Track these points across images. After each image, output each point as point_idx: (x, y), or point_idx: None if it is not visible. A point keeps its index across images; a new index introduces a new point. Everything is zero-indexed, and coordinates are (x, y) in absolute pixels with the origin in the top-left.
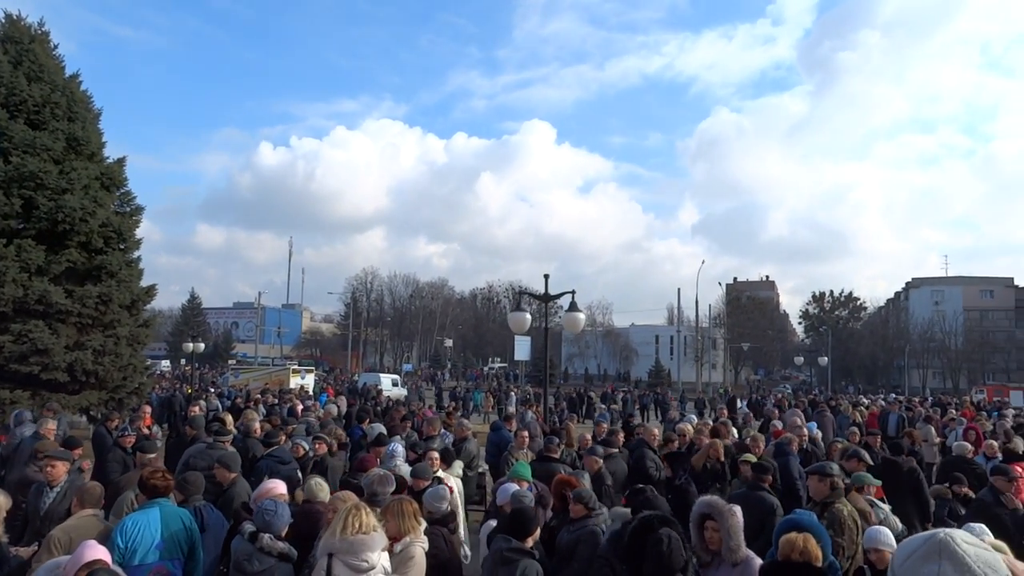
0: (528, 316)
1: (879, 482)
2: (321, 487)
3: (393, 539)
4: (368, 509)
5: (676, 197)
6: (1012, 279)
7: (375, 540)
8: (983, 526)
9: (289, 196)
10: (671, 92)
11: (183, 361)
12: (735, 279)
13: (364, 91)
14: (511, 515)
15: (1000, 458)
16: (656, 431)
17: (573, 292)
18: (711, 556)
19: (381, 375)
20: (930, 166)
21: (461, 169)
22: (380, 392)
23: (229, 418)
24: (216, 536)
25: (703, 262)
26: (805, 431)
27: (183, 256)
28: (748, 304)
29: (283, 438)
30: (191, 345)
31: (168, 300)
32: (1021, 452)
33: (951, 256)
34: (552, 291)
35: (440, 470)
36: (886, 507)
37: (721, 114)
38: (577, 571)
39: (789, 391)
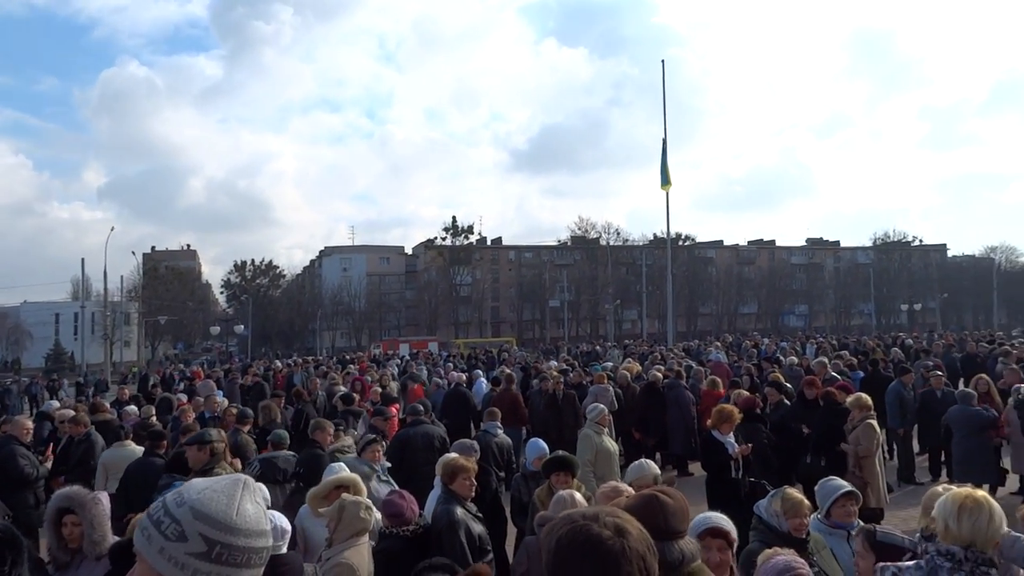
0: None
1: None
2: None
3: None
4: None
5: (79, 154)
6: (403, 247)
7: None
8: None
9: None
10: (68, 32)
11: None
12: (153, 248)
13: None
14: None
15: (380, 401)
16: (29, 424)
17: None
18: (71, 555)
19: None
20: (338, 143)
21: None
22: None
23: None
24: None
25: (112, 229)
26: (217, 400)
27: None
28: (168, 274)
29: None
30: None
31: None
32: (396, 395)
33: (357, 227)
34: None
35: None
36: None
37: (129, 66)
38: None
39: (205, 363)
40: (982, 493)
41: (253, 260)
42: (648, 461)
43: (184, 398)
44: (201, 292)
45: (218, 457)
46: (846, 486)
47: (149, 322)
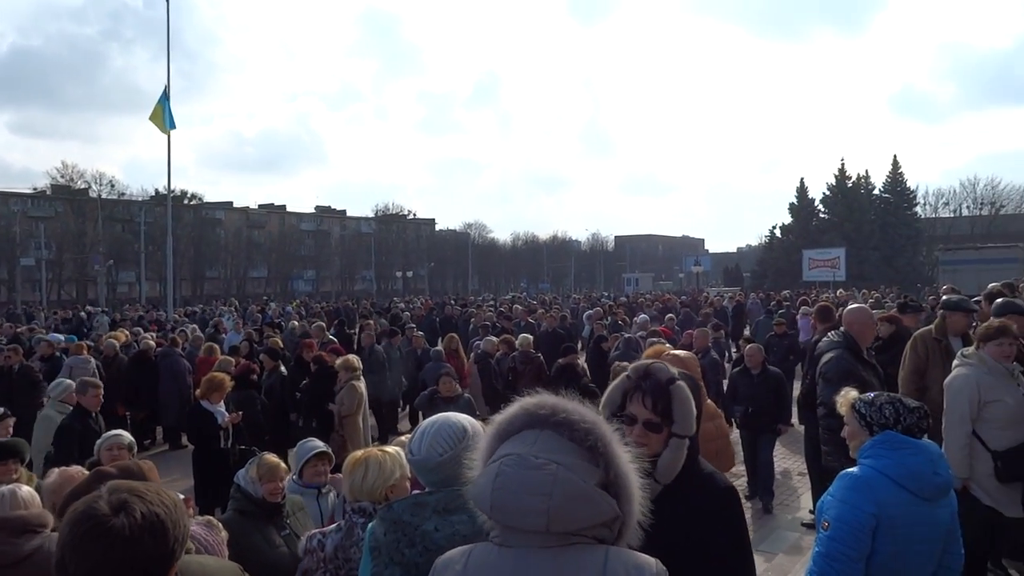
0: None
1: None
2: None
3: None
4: None
5: None
6: None
7: None
8: None
9: None
10: None
11: None
12: None
13: None
14: None
15: None
16: None
17: None
18: None
19: None
20: None
21: None
22: None
23: None
24: None
25: None
26: None
27: None
28: None
29: None
30: None
31: None
32: None
33: None
34: None
35: None
36: None
37: None
38: None
39: None
40: (370, 452)
41: None
42: (121, 431)
43: None
44: None
45: None
46: (320, 447)
47: None
